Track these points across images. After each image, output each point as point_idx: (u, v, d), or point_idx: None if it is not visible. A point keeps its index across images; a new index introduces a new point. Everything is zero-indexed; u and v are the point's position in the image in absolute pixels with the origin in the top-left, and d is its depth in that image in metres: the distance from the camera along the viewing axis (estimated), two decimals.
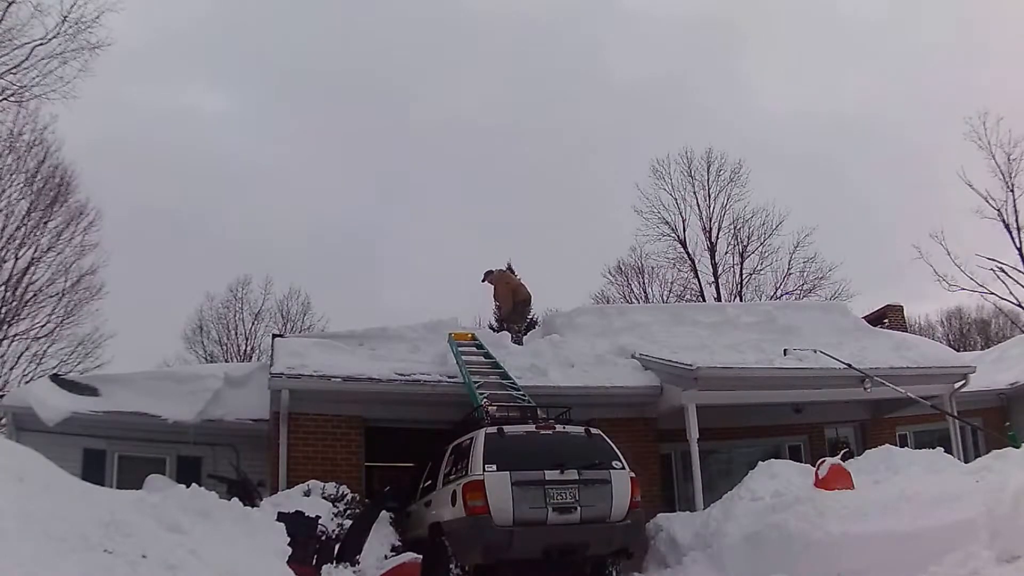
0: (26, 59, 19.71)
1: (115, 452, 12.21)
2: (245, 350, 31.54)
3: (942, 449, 9.72)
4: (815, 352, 11.66)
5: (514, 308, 14.77)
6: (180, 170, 45.25)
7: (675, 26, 52.72)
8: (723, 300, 29.23)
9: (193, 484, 7.35)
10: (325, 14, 55.43)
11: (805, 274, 29.92)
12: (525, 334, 14.70)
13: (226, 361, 28.29)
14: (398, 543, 8.85)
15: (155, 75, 46.63)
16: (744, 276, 30.73)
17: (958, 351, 19.77)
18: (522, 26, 55.53)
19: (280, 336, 14.92)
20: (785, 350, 11.89)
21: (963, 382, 12.55)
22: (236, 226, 47.15)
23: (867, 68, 52.81)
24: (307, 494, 9.08)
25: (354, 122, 53.70)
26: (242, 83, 54.18)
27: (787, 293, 29.48)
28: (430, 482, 9.39)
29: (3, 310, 22.37)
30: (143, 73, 46.34)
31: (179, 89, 49.28)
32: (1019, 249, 26.11)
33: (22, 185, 22.67)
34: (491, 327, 15.39)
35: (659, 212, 31.33)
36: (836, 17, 53.14)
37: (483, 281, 14.99)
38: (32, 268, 22.87)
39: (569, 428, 8.90)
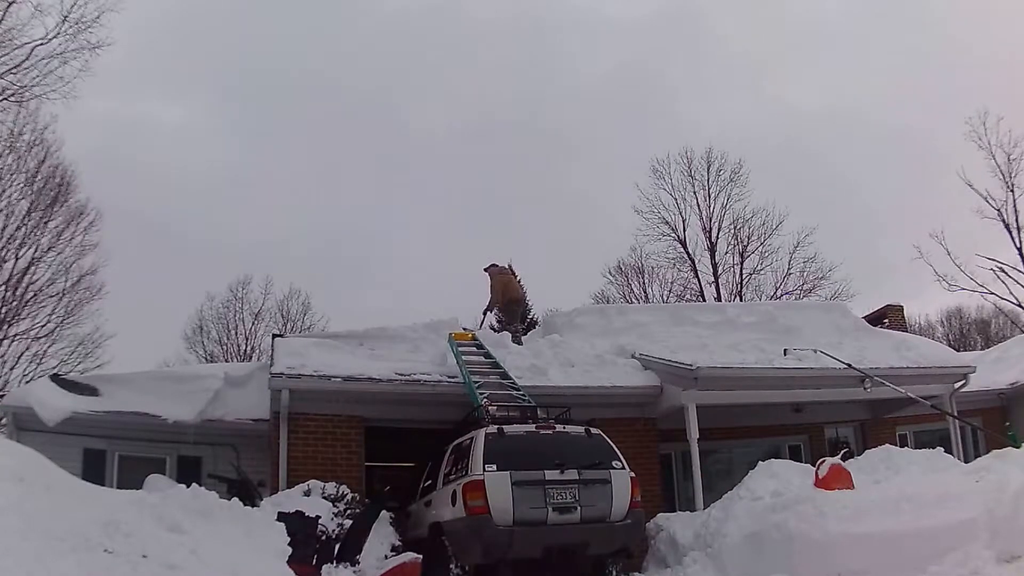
0: (26, 59, 19.71)
1: (115, 452, 12.19)
2: (245, 350, 31.54)
3: (942, 449, 9.71)
4: (815, 352, 11.65)
5: (505, 306, 14.72)
6: (171, 180, 45.07)
7: (669, 20, 52.79)
8: (723, 300, 29.19)
9: (193, 484, 7.36)
10: (314, 22, 55.46)
11: (805, 274, 29.93)
12: (525, 334, 14.69)
13: (226, 361, 28.26)
14: (398, 543, 8.85)
15: (128, 87, 46.45)
16: (744, 276, 30.74)
17: (958, 351, 19.76)
18: (513, 26, 55.58)
19: (280, 336, 14.91)
20: (785, 350, 11.88)
21: (963, 382, 12.56)
22: (232, 232, 47.23)
23: (867, 67, 52.87)
24: (307, 494, 9.08)
25: (354, 124, 53.74)
26: (240, 92, 54.18)
27: (787, 293, 29.50)
28: (430, 482, 9.40)
29: (3, 310, 22.36)
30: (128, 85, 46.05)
31: (149, 100, 49.17)
32: (1019, 249, 26.10)
33: (22, 185, 22.69)
34: (492, 327, 15.33)
35: (659, 212, 31.36)
36: (835, 15, 53.21)
37: (484, 271, 15.02)
38: (32, 268, 22.89)
39: (569, 428, 8.90)
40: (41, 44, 19.73)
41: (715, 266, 30.90)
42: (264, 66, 54.43)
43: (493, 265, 14.99)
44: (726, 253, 30.95)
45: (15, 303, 22.57)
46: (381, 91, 55.95)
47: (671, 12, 53.45)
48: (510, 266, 15.89)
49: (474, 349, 11.85)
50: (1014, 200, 26.22)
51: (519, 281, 15.16)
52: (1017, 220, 26.23)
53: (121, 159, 40.45)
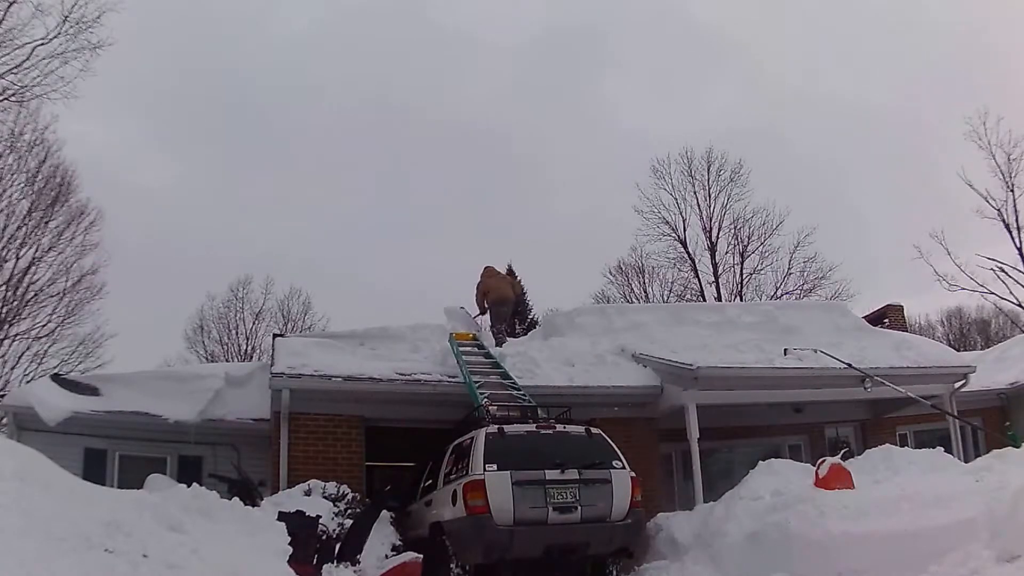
0: (27, 59, 19.74)
1: (116, 452, 12.19)
2: (246, 350, 31.57)
3: (942, 449, 9.69)
4: (815, 352, 11.64)
5: (491, 307, 14.31)
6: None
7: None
8: (723, 300, 29.22)
9: (194, 484, 7.37)
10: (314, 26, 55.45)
11: (805, 274, 29.95)
12: (526, 334, 14.66)
13: (227, 361, 28.29)
14: (399, 542, 8.85)
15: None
16: (744, 276, 30.75)
17: (958, 351, 19.74)
18: (515, 32, 55.64)
19: (281, 336, 14.93)
20: (785, 350, 11.87)
21: (963, 382, 12.54)
22: (231, 233, 47.25)
23: (867, 66, 52.85)
24: (308, 493, 9.09)
25: (355, 126, 53.78)
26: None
27: (787, 293, 29.51)
28: (431, 481, 9.40)
29: (4, 310, 22.38)
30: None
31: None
32: (1019, 249, 26.11)
33: (23, 185, 22.76)
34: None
35: (659, 212, 31.38)
36: (833, 14, 53.20)
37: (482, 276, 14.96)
38: (33, 268, 22.94)
39: (569, 428, 8.90)
40: (42, 44, 19.77)
41: (715, 266, 30.92)
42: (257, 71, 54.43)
43: (487, 268, 14.99)
44: (726, 253, 31.01)
45: (16, 303, 22.61)
46: (381, 88, 56.03)
47: None
48: (509, 267, 15.82)
49: (475, 349, 11.86)
50: (1014, 200, 26.27)
51: (518, 281, 15.01)
52: (1017, 220, 26.27)
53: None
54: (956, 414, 12.15)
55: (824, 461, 8.85)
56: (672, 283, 31.63)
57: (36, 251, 23.00)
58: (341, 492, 9.18)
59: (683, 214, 31.27)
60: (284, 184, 52.16)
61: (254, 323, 32.39)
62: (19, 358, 22.99)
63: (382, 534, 8.76)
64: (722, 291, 30.50)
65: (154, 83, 46.41)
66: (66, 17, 19.81)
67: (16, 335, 22.81)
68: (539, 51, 56.94)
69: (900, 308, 17.57)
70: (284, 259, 45.11)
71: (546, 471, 8.11)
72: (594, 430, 8.93)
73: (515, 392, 10.19)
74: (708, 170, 31.31)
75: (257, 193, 50.96)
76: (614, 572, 8.75)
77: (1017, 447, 8.15)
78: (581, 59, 54.93)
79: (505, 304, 14.52)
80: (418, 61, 57.40)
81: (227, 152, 51.90)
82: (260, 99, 54.58)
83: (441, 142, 54.48)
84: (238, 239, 45.44)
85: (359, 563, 8.12)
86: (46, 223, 23.16)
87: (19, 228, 22.55)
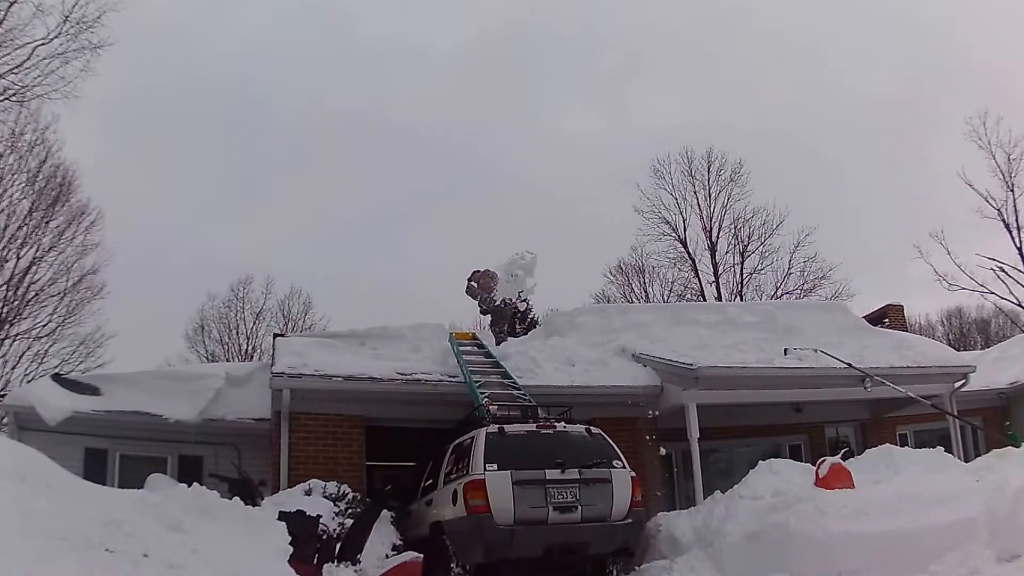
0: (28, 59, 19.78)
1: (117, 451, 12.21)
2: (246, 349, 31.59)
3: (942, 448, 9.71)
4: (815, 352, 11.64)
5: (495, 308, 14.60)
6: None
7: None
8: (723, 300, 29.24)
9: (194, 483, 7.38)
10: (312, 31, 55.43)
11: (805, 274, 29.99)
12: (526, 333, 14.68)
13: (227, 360, 28.31)
14: (399, 542, 8.86)
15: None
16: (744, 276, 30.78)
17: (958, 351, 19.75)
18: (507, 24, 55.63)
19: (281, 335, 14.95)
20: (785, 349, 11.87)
21: (963, 381, 12.56)
22: (231, 233, 47.27)
23: (867, 65, 52.85)
24: (308, 493, 9.10)
25: (357, 126, 53.80)
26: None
27: (787, 293, 29.52)
28: (431, 481, 9.41)
29: (5, 310, 22.40)
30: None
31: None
32: (1019, 249, 26.14)
33: (24, 185, 22.79)
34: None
35: (660, 212, 31.41)
36: (833, 13, 53.20)
37: (469, 280, 14.98)
38: (34, 268, 22.96)
39: (570, 427, 8.91)
40: (42, 44, 19.85)
41: (715, 266, 30.95)
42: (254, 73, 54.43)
43: (476, 271, 15.01)
44: (726, 253, 31.05)
45: (16, 303, 22.63)
46: (382, 88, 56.06)
47: None
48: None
49: (475, 349, 11.87)
50: (1014, 200, 26.34)
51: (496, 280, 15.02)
52: (1017, 220, 26.33)
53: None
54: (956, 414, 12.16)
55: (824, 461, 8.86)
56: (672, 283, 31.71)
57: (37, 251, 23.06)
58: (341, 492, 9.19)
59: (683, 214, 31.38)
60: (283, 185, 52.12)
61: (254, 323, 32.45)
62: (20, 358, 23.05)
63: (382, 534, 8.77)
64: (722, 291, 30.56)
65: (135, 85, 46.26)
66: (67, 17, 19.92)
67: (17, 335, 22.86)
68: (530, 52, 56.98)
69: (900, 308, 17.59)
70: (284, 259, 45.15)
71: (546, 471, 8.12)
72: (594, 430, 8.93)
73: (515, 392, 10.19)
74: (708, 170, 31.41)
75: (257, 194, 50.93)
76: (614, 572, 8.76)
77: (1017, 447, 8.14)
78: (571, 59, 54.88)
79: (508, 304, 14.65)
80: (414, 65, 57.40)
81: (226, 153, 51.87)
82: (247, 102, 54.46)
83: (441, 143, 54.45)
84: (238, 239, 45.47)
85: (359, 563, 8.13)
86: (47, 223, 23.21)
87: (20, 228, 22.59)
